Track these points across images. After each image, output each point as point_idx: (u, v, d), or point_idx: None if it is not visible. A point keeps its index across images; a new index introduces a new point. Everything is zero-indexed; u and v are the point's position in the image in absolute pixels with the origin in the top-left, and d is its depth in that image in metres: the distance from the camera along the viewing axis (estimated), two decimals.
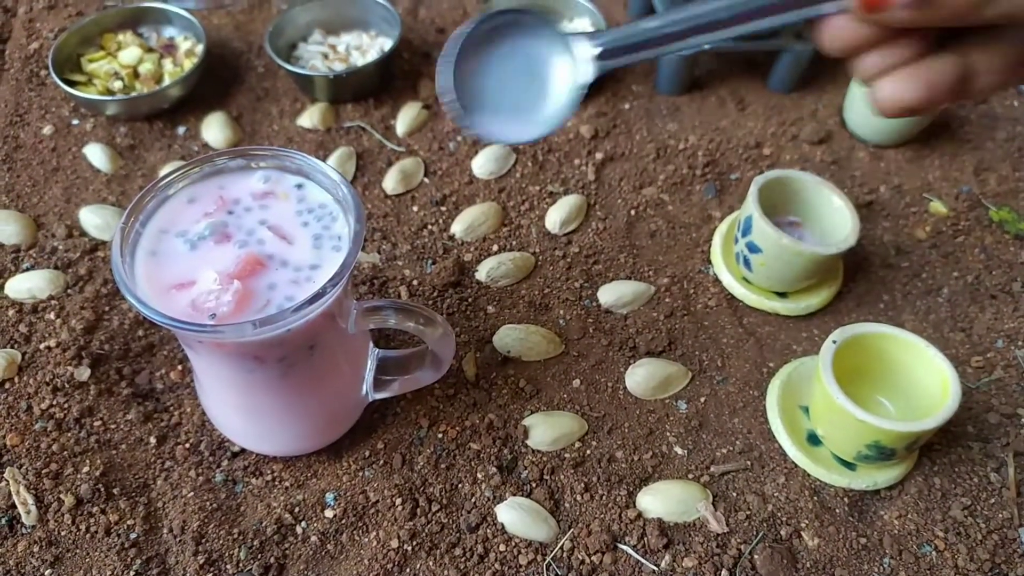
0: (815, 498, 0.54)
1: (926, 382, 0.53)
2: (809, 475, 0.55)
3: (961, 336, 0.63)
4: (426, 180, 0.73)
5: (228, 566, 0.50)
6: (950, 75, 0.31)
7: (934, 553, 0.52)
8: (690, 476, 0.55)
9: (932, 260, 0.69)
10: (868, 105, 0.74)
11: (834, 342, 0.53)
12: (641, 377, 0.59)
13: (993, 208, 0.72)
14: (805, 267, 0.60)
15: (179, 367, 0.59)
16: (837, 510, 0.54)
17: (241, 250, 0.44)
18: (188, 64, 0.78)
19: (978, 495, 0.55)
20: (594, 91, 0.81)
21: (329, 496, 0.53)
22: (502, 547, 0.51)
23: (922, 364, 0.53)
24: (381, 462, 0.55)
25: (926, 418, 0.50)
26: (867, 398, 0.56)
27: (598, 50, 0.34)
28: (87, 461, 0.54)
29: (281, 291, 0.43)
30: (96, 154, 0.73)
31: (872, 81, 0.32)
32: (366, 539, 0.52)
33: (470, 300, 0.64)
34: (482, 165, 0.73)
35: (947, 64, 0.31)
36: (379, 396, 0.55)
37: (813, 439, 0.56)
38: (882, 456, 0.52)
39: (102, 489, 0.52)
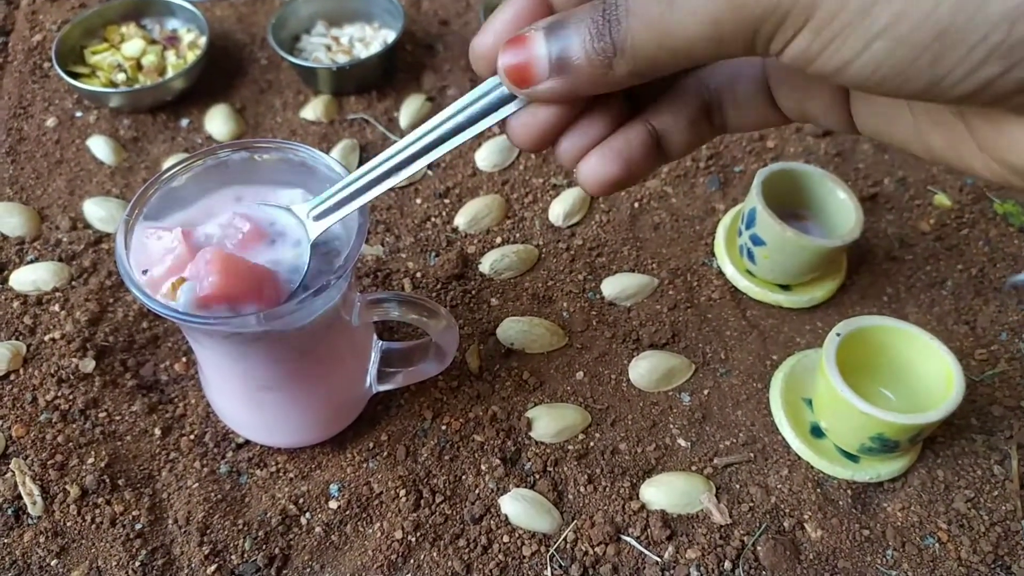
0: (818, 490, 0.54)
1: (930, 375, 0.53)
2: (812, 467, 0.55)
3: (965, 329, 0.63)
4: (429, 172, 0.73)
5: (233, 557, 0.50)
6: (641, 143, 0.32)
7: (937, 545, 0.52)
8: (693, 468, 0.55)
9: (936, 253, 0.68)
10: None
11: (837, 335, 0.53)
12: (644, 369, 0.59)
13: (997, 201, 0.72)
14: (809, 260, 0.60)
15: (183, 359, 0.59)
16: (840, 502, 0.54)
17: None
18: (191, 56, 0.78)
19: (981, 487, 0.55)
20: None
21: (333, 487, 0.53)
22: (506, 538, 0.51)
23: (926, 356, 0.53)
24: (385, 454, 0.55)
25: (929, 411, 0.50)
26: (870, 390, 0.56)
27: (314, 212, 0.41)
28: (92, 452, 0.54)
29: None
30: (100, 146, 0.73)
31: (573, 166, 0.33)
32: (370, 530, 0.52)
33: (474, 292, 0.64)
34: (485, 157, 0.73)
35: (636, 133, 0.32)
36: (383, 388, 0.55)
37: (816, 431, 0.56)
38: (885, 448, 0.52)
39: (107, 480, 0.52)
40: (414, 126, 0.76)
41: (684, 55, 0.28)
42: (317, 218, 0.41)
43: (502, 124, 0.33)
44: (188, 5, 0.80)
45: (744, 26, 0.26)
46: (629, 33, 0.27)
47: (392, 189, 0.41)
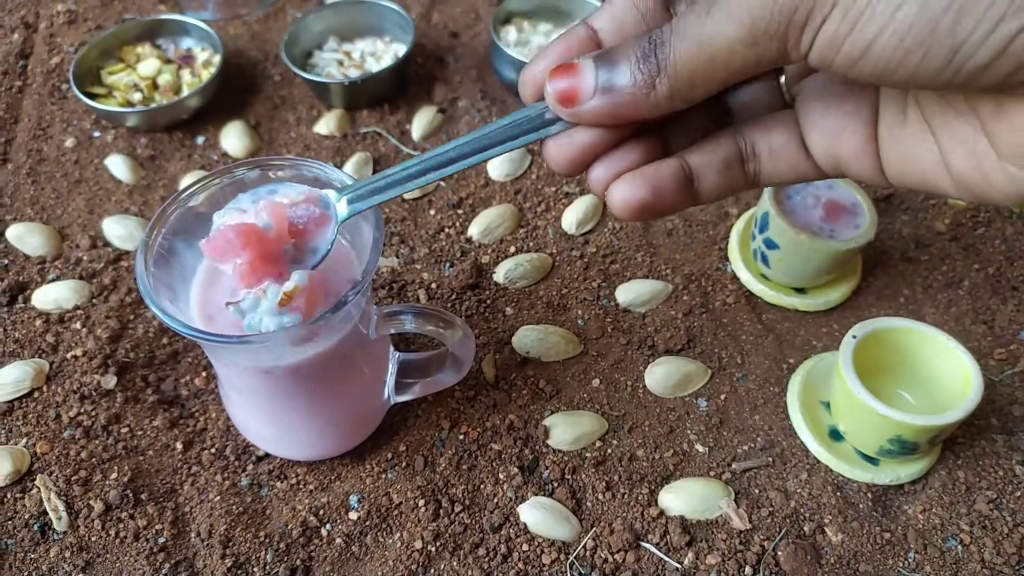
0: (838, 493, 0.54)
1: (948, 375, 0.53)
2: (832, 471, 0.55)
3: (983, 328, 0.63)
4: (442, 184, 0.73)
5: (255, 569, 0.51)
6: (672, 174, 0.34)
7: (959, 547, 0.52)
8: (712, 473, 0.55)
9: (952, 253, 0.68)
10: None
11: (854, 337, 0.53)
12: (660, 375, 0.59)
13: None
14: (823, 262, 0.60)
15: (203, 373, 0.60)
16: (860, 505, 0.53)
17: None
18: (206, 74, 0.79)
19: (1003, 488, 0.54)
20: None
21: (353, 498, 0.54)
22: (525, 547, 0.52)
23: (943, 357, 0.53)
24: (404, 464, 0.55)
25: (948, 411, 0.49)
26: (888, 392, 0.56)
27: (345, 198, 0.41)
28: (115, 467, 0.55)
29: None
30: (118, 165, 0.74)
31: (603, 191, 0.34)
32: (390, 540, 0.52)
33: (488, 302, 0.64)
34: (498, 167, 0.74)
35: (668, 165, 0.34)
36: (401, 399, 0.56)
37: (835, 434, 0.56)
38: (905, 450, 0.52)
39: (130, 495, 0.53)
40: (426, 138, 0.77)
41: (722, 64, 0.29)
42: (351, 202, 0.41)
43: (540, 145, 0.35)
44: (202, 24, 0.81)
45: (777, 20, 0.27)
46: (673, 51, 0.29)
47: (430, 184, 0.41)
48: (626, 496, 0.54)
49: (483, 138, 0.35)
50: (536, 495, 0.54)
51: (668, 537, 0.52)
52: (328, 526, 0.53)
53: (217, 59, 0.79)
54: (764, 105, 0.35)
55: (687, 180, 0.34)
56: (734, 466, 0.55)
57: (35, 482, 0.54)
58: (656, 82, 0.30)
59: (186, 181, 0.73)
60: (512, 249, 0.68)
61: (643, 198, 0.33)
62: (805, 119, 0.34)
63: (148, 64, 0.79)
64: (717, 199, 0.36)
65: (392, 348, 0.56)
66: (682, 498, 0.53)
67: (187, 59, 0.81)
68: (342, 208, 0.41)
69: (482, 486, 0.54)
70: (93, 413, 0.57)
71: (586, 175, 0.35)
